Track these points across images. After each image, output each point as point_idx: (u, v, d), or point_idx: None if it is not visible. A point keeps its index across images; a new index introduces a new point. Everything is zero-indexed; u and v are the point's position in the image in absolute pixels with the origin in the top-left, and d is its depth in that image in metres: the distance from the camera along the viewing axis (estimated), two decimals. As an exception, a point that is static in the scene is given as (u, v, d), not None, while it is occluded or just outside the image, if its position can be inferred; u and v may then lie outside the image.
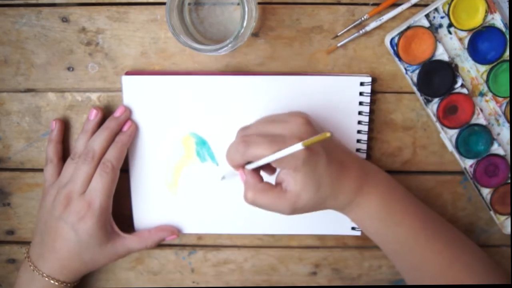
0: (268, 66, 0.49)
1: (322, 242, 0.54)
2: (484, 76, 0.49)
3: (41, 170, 0.50)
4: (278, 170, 0.43)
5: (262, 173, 0.44)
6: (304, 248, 0.54)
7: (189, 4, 0.45)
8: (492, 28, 0.47)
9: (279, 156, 0.38)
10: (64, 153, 0.50)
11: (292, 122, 0.42)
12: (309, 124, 0.42)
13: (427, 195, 0.53)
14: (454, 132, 0.50)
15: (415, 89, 0.49)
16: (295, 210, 0.41)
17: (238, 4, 0.46)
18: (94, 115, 0.48)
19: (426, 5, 0.48)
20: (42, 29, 0.48)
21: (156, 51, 0.49)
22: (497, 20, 0.47)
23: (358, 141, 0.49)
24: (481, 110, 0.49)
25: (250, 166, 0.42)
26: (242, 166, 0.42)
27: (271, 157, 0.39)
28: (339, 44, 0.48)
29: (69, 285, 0.47)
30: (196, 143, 0.49)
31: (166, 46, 0.48)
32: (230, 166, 0.43)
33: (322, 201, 0.42)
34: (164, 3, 0.43)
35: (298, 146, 0.36)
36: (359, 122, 0.49)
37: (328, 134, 0.34)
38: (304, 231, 0.52)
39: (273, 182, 0.43)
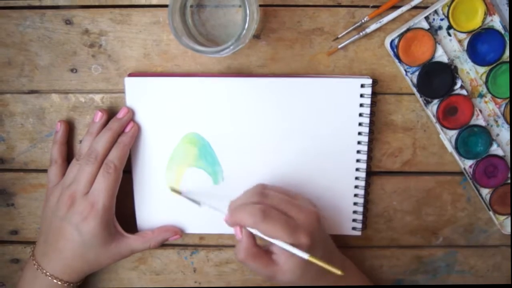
0: (270, 68, 0.50)
1: (323, 242, 0.54)
2: (483, 78, 0.49)
3: (44, 171, 0.51)
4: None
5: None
6: (305, 248, 0.54)
7: (191, 6, 0.46)
8: (491, 30, 0.48)
9: (284, 247, 0.41)
10: (67, 154, 0.51)
11: (307, 213, 0.44)
12: (320, 222, 0.45)
13: (426, 196, 0.53)
14: (453, 133, 0.50)
15: (415, 90, 0.49)
16: (275, 281, 0.44)
17: (240, 6, 0.46)
18: (99, 117, 0.48)
19: (425, 7, 0.48)
20: (45, 31, 0.48)
21: (158, 53, 0.49)
22: (496, 22, 0.47)
23: (359, 142, 0.50)
24: (480, 111, 0.50)
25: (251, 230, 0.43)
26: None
27: (278, 242, 0.42)
28: (339, 46, 0.49)
29: (72, 285, 0.48)
30: (199, 144, 0.50)
31: (168, 48, 0.49)
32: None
33: (298, 285, 0.44)
34: (166, 6, 0.43)
35: (305, 256, 0.41)
36: (360, 124, 0.49)
37: (339, 273, 0.40)
38: (305, 231, 0.53)
39: None
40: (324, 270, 0.41)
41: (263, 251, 0.44)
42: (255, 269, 0.43)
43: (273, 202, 0.44)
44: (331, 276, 0.43)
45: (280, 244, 0.42)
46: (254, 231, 0.43)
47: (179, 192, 0.51)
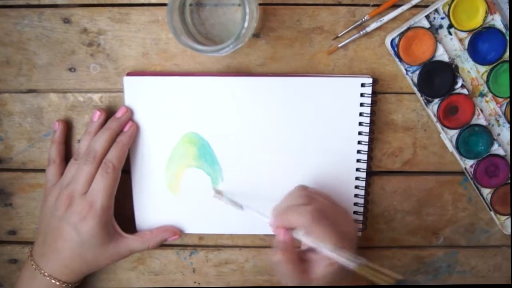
0: (269, 67, 0.49)
1: (323, 242, 0.54)
2: (484, 77, 0.49)
3: (42, 170, 0.50)
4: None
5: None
6: (305, 248, 0.54)
7: (190, 5, 0.45)
8: (492, 29, 0.47)
9: (330, 253, 0.40)
10: (65, 153, 0.50)
11: (350, 222, 0.45)
12: (357, 232, 0.46)
13: (427, 195, 0.53)
14: (454, 133, 0.50)
15: (415, 89, 0.49)
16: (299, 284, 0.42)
17: (239, 5, 0.46)
18: (97, 117, 0.48)
19: (426, 6, 0.48)
20: (44, 30, 0.48)
21: (157, 52, 0.49)
22: (497, 21, 0.47)
23: (359, 142, 0.49)
24: (481, 110, 0.49)
25: (297, 235, 0.42)
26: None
27: (328, 252, 0.40)
28: (339, 45, 0.48)
29: (70, 285, 0.48)
30: (198, 144, 0.50)
31: (167, 47, 0.49)
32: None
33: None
34: (165, 4, 0.43)
35: (355, 267, 0.40)
36: (360, 123, 0.49)
37: (399, 277, 0.40)
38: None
39: None
40: (351, 278, 0.41)
41: (300, 258, 0.43)
42: (286, 273, 0.42)
43: (320, 206, 0.43)
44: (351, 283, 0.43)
45: (327, 249, 0.40)
46: (300, 236, 0.42)
47: (221, 193, 0.50)
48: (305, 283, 0.42)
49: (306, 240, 0.41)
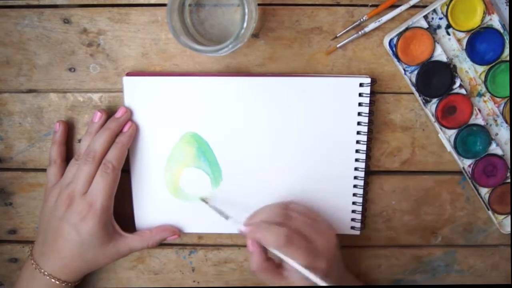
0: (268, 67, 0.49)
1: (322, 242, 0.54)
2: (482, 77, 0.49)
3: (42, 170, 0.51)
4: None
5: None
6: (304, 248, 0.54)
7: (189, 5, 0.46)
8: (490, 29, 0.47)
9: (302, 271, 0.42)
10: (66, 153, 0.50)
11: (328, 238, 0.45)
12: (337, 246, 0.46)
13: (425, 195, 0.53)
14: (452, 132, 0.50)
15: (414, 89, 0.49)
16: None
17: (239, 5, 0.46)
18: (98, 117, 0.48)
19: (424, 7, 0.48)
20: (44, 30, 0.48)
21: (157, 52, 0.49)
22: (495, 21, 0.47)
23: (358, 142, 0.50)
24: (479, 110, 0.50)
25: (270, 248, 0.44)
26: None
27: (297, 266, 0.42)
28: (338, 45, 0.49)
29: (70, 284, 0.48)
30: (197, 144, 0.50)
31: (167, 47, 0.49)
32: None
33: None
34: (165, 5, 0.43)
35: (323, 283, 0.41)
36: (359, 123, 0.49)
37: None
38: (304, 230, 0.53)
39: None
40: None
41: (275, 265, 0.45)
42: (265, 280, 0.45)
43: (296, 225, 0.44)
44: None
45: (299, 268, 0.42)
46: (274, 250, 0.43)
47: (206, 202, 0.51)
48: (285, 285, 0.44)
49: (278, 254, 0.43)
